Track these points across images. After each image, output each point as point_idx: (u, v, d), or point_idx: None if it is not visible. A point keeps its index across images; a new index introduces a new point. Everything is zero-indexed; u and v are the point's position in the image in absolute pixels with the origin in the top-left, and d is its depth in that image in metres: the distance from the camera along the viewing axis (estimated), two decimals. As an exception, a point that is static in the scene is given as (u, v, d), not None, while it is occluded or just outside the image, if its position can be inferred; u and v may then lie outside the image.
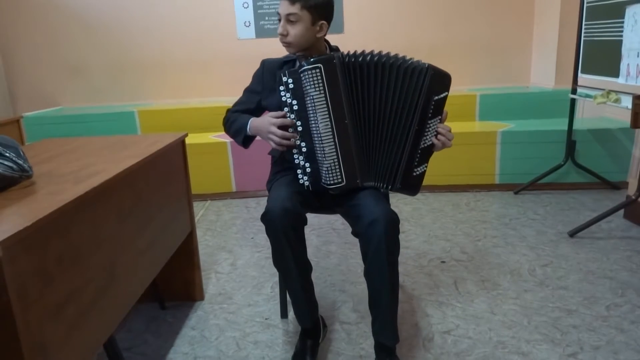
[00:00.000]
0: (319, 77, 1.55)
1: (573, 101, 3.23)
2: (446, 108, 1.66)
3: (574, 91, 3.13)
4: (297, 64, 1.61)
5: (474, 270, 2.37)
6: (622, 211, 2.90)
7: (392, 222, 1.52)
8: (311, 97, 1.57)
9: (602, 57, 2.78)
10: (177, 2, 4.35)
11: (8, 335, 0.91)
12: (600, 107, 3.44)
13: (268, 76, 1.80)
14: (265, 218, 1.55)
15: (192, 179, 2.11)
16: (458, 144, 3.46)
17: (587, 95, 2.98)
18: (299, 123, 1.61)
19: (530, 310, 2.00)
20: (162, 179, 1.79)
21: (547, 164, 3.44)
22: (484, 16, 4.31)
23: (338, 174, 1.62)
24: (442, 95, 1.61)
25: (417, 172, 1.66)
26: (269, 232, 1.56)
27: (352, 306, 2.10)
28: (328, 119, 1.58)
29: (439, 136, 1.63)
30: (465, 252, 2.58)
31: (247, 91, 1.87)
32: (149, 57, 4.48)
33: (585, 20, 2.92)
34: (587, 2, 2.88)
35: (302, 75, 1.56)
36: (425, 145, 1.64)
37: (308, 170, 1.65)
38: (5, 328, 0.91)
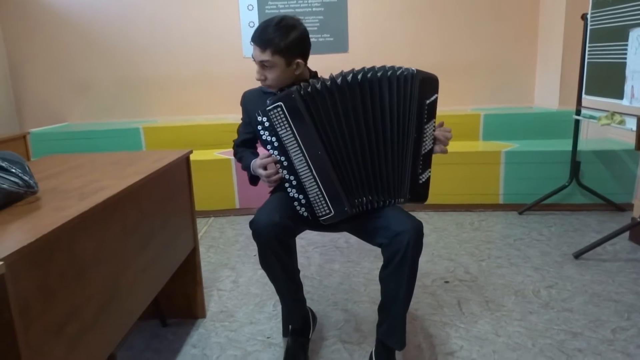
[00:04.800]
0: (282, 115, 1.55)
1: (577, 122, 3.23)
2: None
3: (578, 112, 3.14)
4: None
5: (477, 291, 2.34)
6: (627, 233, 2.88)
7: (419, 231, 1.54)
8: (281, 136, 1.58)
9: (606, 78, 2.79)
10: (183, 21, 4.41)
11: (9, 353, 0.90)
12: (605, 128, 3.44)
13: (249, 108, 1.85)
14: (251, 226, 1.58)
15: (195, 195, 2.11)
16: (462, 163, 3.50)
17: (591, 117, 2.98)
18: (282, 158, 1.61)
19: (535, 332, 1.98)
20: (166, 196, 1.79)
21: (552, 185, 3.43)
22: (489, 36, 4.35)
23: (325, 205, 1.62)
24: (432, 98, 1.61)
25: (423, 179, 1.67)
26: (255, 239, 1.59)
27: (354, 325, 2.08)
28: (301, 154, 1.58)
29: (438, 144, 1.65)
30: (469, 272, 2.56)
31: (243, 122, 1.93)
32: (155, 74, 4.52)
33: (589, 43, 2.94)
34: (591, 25, 2.91)
35: (270, 114, 1.57)
36: (426, 151, 1.65)
37: (303, 201, 1.65)
38: (7, 346, 0.90)
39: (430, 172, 1.68)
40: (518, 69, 4.41)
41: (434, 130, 1.66)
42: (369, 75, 1.57)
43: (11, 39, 4.49)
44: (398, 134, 1.61)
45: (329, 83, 1.56)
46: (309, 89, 1.55)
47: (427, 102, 1.60)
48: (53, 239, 1.04)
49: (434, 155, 1.67)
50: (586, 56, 2.98)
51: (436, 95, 1.63)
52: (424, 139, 1.63)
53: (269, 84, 1.72)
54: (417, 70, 1.60)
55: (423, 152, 1.64)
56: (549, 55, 4.17)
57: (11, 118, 4.56)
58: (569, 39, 3.88)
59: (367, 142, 1.61)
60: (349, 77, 1.56)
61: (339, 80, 1.56)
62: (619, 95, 2.62)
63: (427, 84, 1.61)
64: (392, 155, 1.63)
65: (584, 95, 3.05)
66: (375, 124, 1.60)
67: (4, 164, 1.22)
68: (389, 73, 1.58)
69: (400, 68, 1.60)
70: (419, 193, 1.68)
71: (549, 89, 4.19)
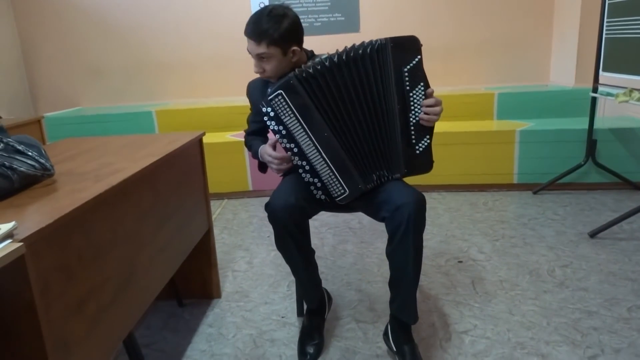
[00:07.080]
0: (284, 103, 1.57)
1: (594, 100, 3.17)
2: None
3: (595, 89, 3.08)
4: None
5: (491, 271, 2.34)
6: (644, 211, 2.84)
7: (420, 203, 1.53)
8: (286, 123, 1.59)
9: (624, 54, 2.72)
10: (194, 3, 4.39)
11: (32, 331, 0.93)
12: (622, 105, 3.37)
13: (254, 99, 1.85)
14: (267, 209, 1.60)
15: (209, 178, 2.12)
16: (476, 143, 3.47)
17: (609, 94, 2.93)
18: (292, 145, 1.62)
19: (550, 311, 1.98)
20: (179, 178, 1.81)
21: (567, 164, 3.39)
22: (502, 13, 4.26)
23: (338, 185, 1.63)
24: (413, 63, 1.58)
25: (421, 149, 1.65)
26: (270, 221, 1.61)
27: (368, 305, 2.09)
28: (308, 139, 1.59)
29: (422, 114, 1.61)
30: (483, 252, 2.55)
31: (252, 112, 1.93)
32: (166, 57, 4.52)
33: (607, 18, 2.87)
34: (609, -1, 2.84)
35: (272, 103, 1.58)
36: (417, 119, 1.63)
37: (318, 185, 1.66)
38: (29, 324, 0.92)
39: (429, 139, 1.65)
40: (533, 46, 4.33)
41: (423, 96, 1.61)
42: (351, 54, 1.57)
43: (24, 25, 4.51)
44: (385, 106, 1.61)
45: (319, 66, 1.57)
46: (304, 74, 1.57)
47: (406, 68, 1.58)
48: (71, 220, 1.05)
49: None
50: (604, 31, 2.91)
51: (418, 57, 1.58)
52: (412, 108, 1.61)
53: (268, 75, 1.72)
54: (387, 39, 1.56)
55: (413, 121, 1.62)
56: (565, 31, 4.08)
57: (26, 103, 4.61)
58: (585, 14, 3.79)
59: (361, 118, 1.61)
60: (335, 58, 1.57)
61: (327, 62, 1.57)
62: (638, 71, 2.57)
63: (401, 49, 1.57)
64: (383, 128, 1.62)
65: (601, 72, 2.98)
66: (366, 100, 1.60)
67: (20, 147, 1.23)
68: (368, 49, 1.57)
69: (376, 41, 1.57)
70: (420, 163, 1.66)
71: (565, 66, 4.11)
